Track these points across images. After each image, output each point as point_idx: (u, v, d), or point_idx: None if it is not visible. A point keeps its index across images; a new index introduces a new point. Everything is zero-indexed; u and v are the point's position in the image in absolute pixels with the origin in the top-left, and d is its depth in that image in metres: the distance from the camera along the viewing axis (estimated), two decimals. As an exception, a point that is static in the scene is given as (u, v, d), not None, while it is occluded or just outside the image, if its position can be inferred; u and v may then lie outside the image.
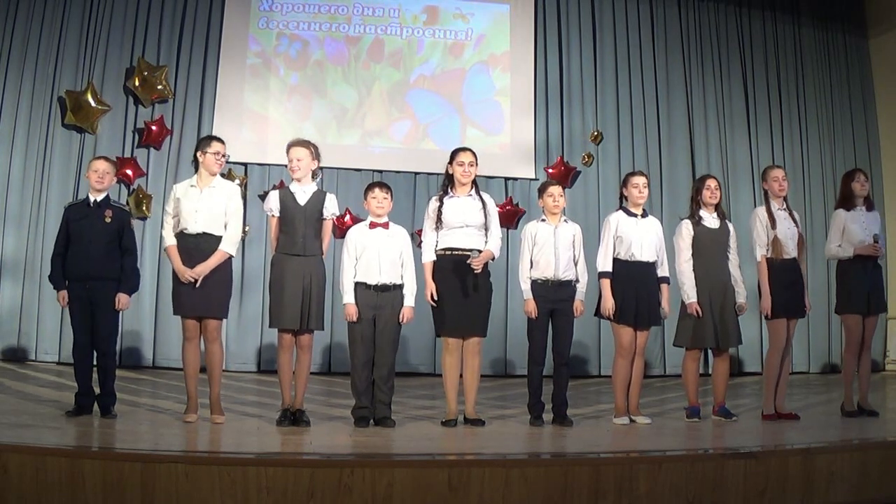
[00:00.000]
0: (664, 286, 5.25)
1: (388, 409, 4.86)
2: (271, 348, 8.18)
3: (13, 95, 8.43)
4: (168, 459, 3.41)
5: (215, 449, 4.12)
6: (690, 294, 5.28)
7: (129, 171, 8.37)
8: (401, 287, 4.92)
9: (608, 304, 5.11)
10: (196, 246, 4.72)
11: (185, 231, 4.74)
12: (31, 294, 8.20)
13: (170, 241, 4.80)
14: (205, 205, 4.75)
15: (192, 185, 4.84)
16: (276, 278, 4.82)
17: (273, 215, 4.87)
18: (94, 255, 4.80)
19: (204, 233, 4.73)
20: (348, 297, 4.88)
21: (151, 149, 8.66)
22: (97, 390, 4.85)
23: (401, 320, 4.89)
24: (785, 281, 5.38)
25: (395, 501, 3.35)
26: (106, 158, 5.12)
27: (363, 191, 5.18)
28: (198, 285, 4.66)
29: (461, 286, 4.89)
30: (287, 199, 4.85)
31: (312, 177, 4.96)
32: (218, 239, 4.75)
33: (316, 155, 4.93)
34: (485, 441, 4.46)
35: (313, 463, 3.51)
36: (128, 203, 7.82)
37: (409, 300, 4.92)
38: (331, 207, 4.90)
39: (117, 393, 4.94)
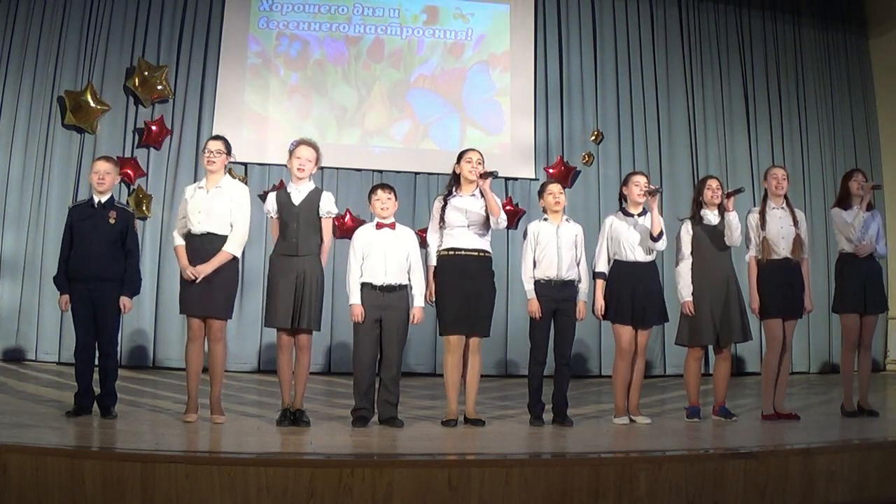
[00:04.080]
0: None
1: (395, 410, 4.86)
2: (272, 348, 8.17)
3: (13, 95, 8.42)
4: (168, 459, 3.41)
5: (215, 449, 4.12)
6: (684, 293, 5.34)
7: (129, 171, 8.36)
8: (406, 288, 4.92)
9: (598, 303, 5.20)
10: (201, 246, 4.73)
11: (191, 231, 4.76)
12: (32, 294, 8.20)
13: (178, 241, 4.84)
14: (209, 205, 4.76)
15: (199, 187, 4.86)
16: (270, 278, 4.86)
17: (272, 216, 4.89)
18: (97, 255, 4.80)
19: (208, 233, 4.73)
20: (354, 297, 4.88)
21: (151, 149, 8.66)
22: (97, 390, 4.85)
23: (412, 321, 4.90)
24: (778, 281, 5.38)
25: (395, 501, 3.35)
26: (107, 158, 5.11)
27: (364, 191, 5.19)
28: (198, 281, 4.66)
29: (464, 286, 4.91)
30: (283, 200, 4.86)
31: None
32: (223, 239, 4.75)
33: (319, 157, 4.96)
34: (485, 441, 4.46)
35: (313, 463, 3.51)
36: (128, 203, 7.83)
37: (419, 301, 4.93)
38: (326, 206, 4.87)
39: (118, 393, 4.94)
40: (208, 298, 4.70)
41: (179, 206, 4.95)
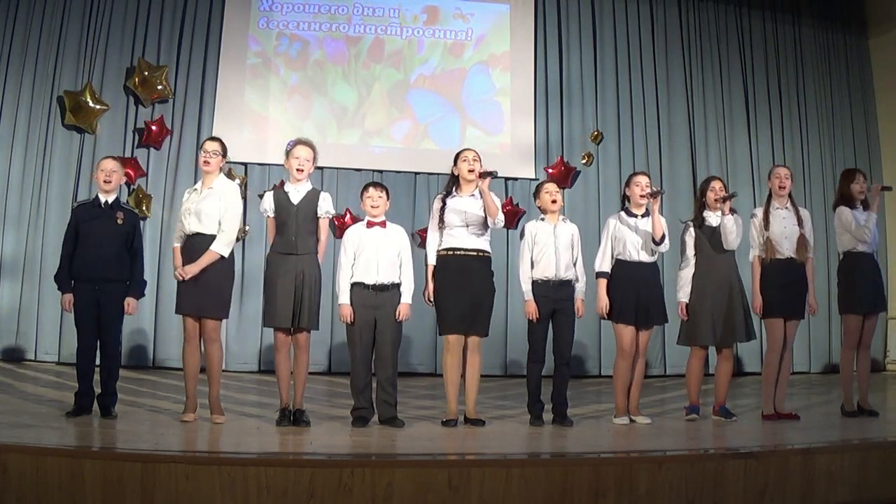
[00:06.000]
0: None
1: (394, 410, 4.85)
2: (272, 348, 8.18)
3: (13, 95, 8.43)
4: (168, 459, 3.41)
5: (215, 449, 4.11)
6: (681, 295, 5.37)
7: (129, 171, 8.35)
8: (399, 286, 4.92)
9: (601, 303, 5.17)
10: (192, 246, 4.76)
11: (185, 232, 4.80)
12: (31, 294, 8.20)
13: (175, 242, 4.90)
14: (199, 206, 4.77)
15: (195, 189, 4.90)
16: (268, 277, 4.84)
17: (268, 216, 4.88)
18: (105, 256, 4.80)
19: (197, 233, 4.75)
20: (343, 297, 4.88)
21: (151, 149, 8.66)
22: (97, 390, 4.85)
23: (397, 317, 4.89)
24: (780, 281, 5.37)
25: (395, 501, 3.35)
26: (113, 158, 5.12)
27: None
28: (185, 280, 4.67)
29: (464, 286, 4.91)
30: (281, 199, 4.86)
31: None
32: (211, 239, 4.75)
33: (316, 156, 4.97)
34: (485, 441, 4.46)
35: (313, 463, 3.51)
36: (128, 203, 7.82)
37: (406, 297, 4.92)
38: (325, 206, 4.88)
39: (118, 393, 4.93)
40: (201, 298, 4.70)
41: (181, 208, 4.98)
